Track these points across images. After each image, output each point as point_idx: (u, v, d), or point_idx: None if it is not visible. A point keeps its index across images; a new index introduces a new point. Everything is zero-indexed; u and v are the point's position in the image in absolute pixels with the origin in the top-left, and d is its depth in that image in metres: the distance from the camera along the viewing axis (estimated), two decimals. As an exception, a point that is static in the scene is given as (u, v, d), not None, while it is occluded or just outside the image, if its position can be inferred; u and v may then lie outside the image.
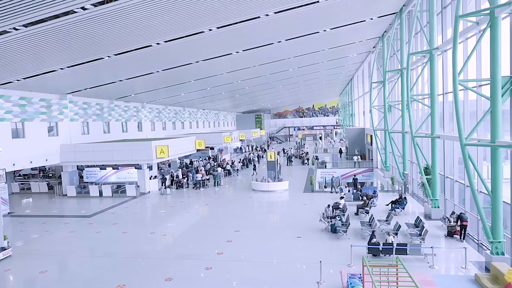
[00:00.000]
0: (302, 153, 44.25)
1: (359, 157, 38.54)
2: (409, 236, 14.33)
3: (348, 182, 32.27)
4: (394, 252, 12.41)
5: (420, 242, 13.72)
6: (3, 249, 14.53)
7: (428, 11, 17.61)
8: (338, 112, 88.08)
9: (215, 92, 43.54)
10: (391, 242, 12.84)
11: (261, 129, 74.67)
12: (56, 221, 20.27)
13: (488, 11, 11.08)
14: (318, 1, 18.12)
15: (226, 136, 43.58)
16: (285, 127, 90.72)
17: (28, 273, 13.04)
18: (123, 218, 20.40)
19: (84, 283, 12.05)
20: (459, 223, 14.43)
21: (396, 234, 14.52)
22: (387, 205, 19.65)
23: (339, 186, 24.72)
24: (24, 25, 14.33)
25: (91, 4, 13.59)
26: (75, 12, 13.86)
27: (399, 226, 14.92)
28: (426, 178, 17.95)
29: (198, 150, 43.16)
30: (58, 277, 12.75)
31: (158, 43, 19.99)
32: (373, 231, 13.47)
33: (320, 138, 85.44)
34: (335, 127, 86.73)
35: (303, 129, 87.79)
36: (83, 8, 13.70)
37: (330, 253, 13.80)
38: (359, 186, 23.88)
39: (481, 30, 12.77)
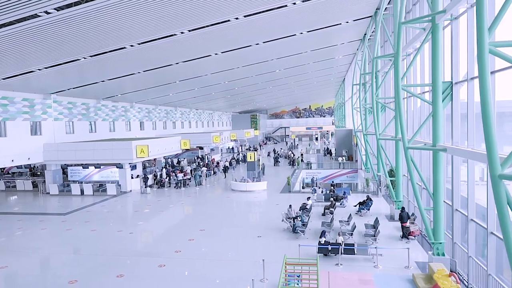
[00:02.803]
0: (289, 154, 44.50)
1: (343, 158, 38.77)
2: (364, 236, 14.66)
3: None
4: (341, 252, 12.71)
5: (372, 242, 14.04)
6: (-30, 245, 15.02)
7: (393, 15, 17.84)
8: (334, 113, 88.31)
9: (204, 92, 43.92)
10: (340, 242, 13.15)
11: (256, 129, 74.97)
12: (32, 218, 20.72)
13: (430, 18, 11.36)
14: (286, 6, 18.50)
15: (215, 136, 43.92)
16: (281, 128, 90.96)
17: (-12, 268, 13.49)
18: (97, 217, 20.85)
19: (38, 278, 12.52)
20: (410, 223, 14.71)
21: (351, 234, 14.84)
22: (355, 206, 19.94)
23: (313, 187, 24.99)
24: (-9, 28, 14.79)
25: (54, 9, 14.03)
26: (39, 16, 14.29)
27: (355, 227, 15.24)
28: (390, 180, 18.24)
29: (187, 149, 43.71)
30: (16, 272, 13.18)
31: (132, 45, 20.41)
32: (322, 231, 13.79)
33: (316, 138, 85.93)
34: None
35: (292, 130, 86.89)
36: (47, 12, 14.13)
37: (285, 252, 14.06)
38: (332, 187, 24.15)
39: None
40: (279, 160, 41.96)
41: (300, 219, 16.30)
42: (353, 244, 13.09)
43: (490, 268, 9.39)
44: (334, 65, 42.13)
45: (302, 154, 44.02)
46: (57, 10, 14.18)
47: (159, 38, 20.06)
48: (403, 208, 14.99)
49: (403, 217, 14.43)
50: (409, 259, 12.24)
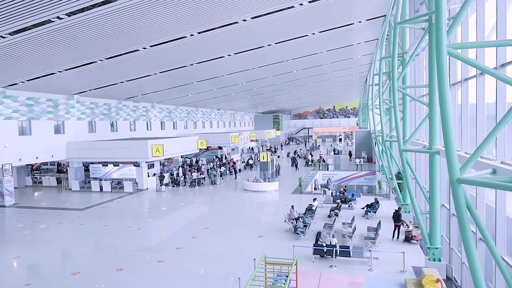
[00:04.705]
0: (307, 155, 44.26)
1: (361, 160, 38.13)
2: (364, 239, 14.49)
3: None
4: (335, 254, 12.64)
5: (372, 245, 13.85)
6: (-11, 235, 16.13)
7: (401, 15, 17.47)
8: (358, 113, 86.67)
9: (223, 93, 44.53)
10: (334, 244, 13.08)
11: (278, 129, 74.97)
12: (51, 213, 21.85)
13: (426, 17, 11.11)
14: (293, 7, 18.56)
15: (233, 136, 44.38)
16: (304, 128, 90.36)
17: (2, 258, 14.45)
18: (111, 212, 21.71)
19: (45, 268, 13.32)
20: (413, 227, 14.39)
21: (351, 237, 14.69)
22: (363, 208, 19.67)
23: (323, 188, 24.81)
24: (9, 33, 15.81)
25: (66, 14, 14.82)
26: (52, 21, 15.14)
27: (355, 229, 15.09)
28: (398, 183, 17.87)
29: (206, 149, 44.51)
30: (26, 262, 14.04)
31: (144, 48, 21.11)
32: (318, 232, 13.75)
33: (340, 139, 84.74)
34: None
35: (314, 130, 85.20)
36: (59, 18, 14.96)
37: (282, 253, 14.14)
38: (343, 189, 23.89)
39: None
40: (296, 161, 41.81)
41: (302, 220, 16.31)
42: (348, 246, 12.99)
43: (479, 275, 9.09)
44: (353, 65, 41.51)
45: (321, 157, 43.52)
46: (68, 16, 14.96)
47: (170, 41, 20.65)
48: (399, 208, 14.76)
49: (395, 217, 14.21)
50: (404, 263, 12.01)
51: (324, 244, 13.02)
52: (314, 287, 11.05)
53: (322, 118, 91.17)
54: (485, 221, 9.18)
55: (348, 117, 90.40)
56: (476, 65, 5.87)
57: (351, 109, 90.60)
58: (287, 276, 10.90)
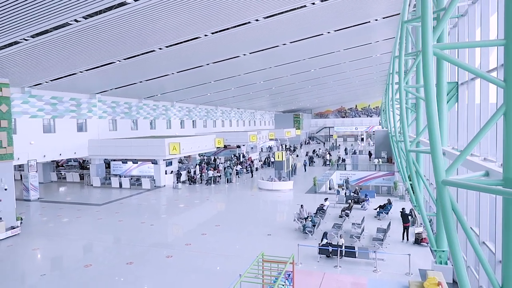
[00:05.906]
0: (325, 154, 43.92)
1: (380, 160, 37.50)
2: (372, 240, 14.37)
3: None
4: (339, 254, 12.61)
5: (379, 247, 13.72)
6: (12, 227, 17.03)
7: (415, 13, 17.12)
8: (380, 113, 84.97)
9: (241, 92, 44.78)
10: (341, 244, 13.04)
11: (298, 128, 74.72)
12: (71, 207, 22.78)
13: (435, 15, 10.88)
14: (305, 6, 18.53)
15: (251, 135, 44.62)
16: (325, 127, 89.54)
17: (23, 249, 15.23)
18: (127, 208, 22.39)
19: (61, 260, 13.96)
20: (424, 229, 14.13)
21: (358, 237, 14.59)
22: (375, 209, 19.43)
23: (336, 189, 24.61)
24: (31, 36, 16.63)
25: (83, 17, 15.45)
26: (70, 24, 15.80)
27: (363, 230, 14.97)
28: (410, 184, 17.52)
29: (225, 147, 45.02)
30: (43, 253, 14.82)
31: (160, 48, 21.63)
32: (324, 233, 13.74)
33: (362, 139, 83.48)
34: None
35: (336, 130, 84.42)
36: (76, 21, 15.61)
37: (288, 251, 14.16)
38: (357, 189, 23.65)
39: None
40: (314, 160, 41.59)
41: (310, 220, 16.32)
42: (353, 247, 12.92)
43: (481, 280, 8.91)
44: (373, 63, 40.77)
45: (339, 157, 42.97)
46: (85, 18, 15.58)
47: (185, 41, 21.05)
48: (403, 209, 14.54)
49: (403, 217, 14.01)
50: (410, 265, 11.86)
51: (325, 242, 13.01)
52: (316, 286, 11.09)
53: (344, 117, 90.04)
54: (488, 217, 8.95)
55: (371, 116, 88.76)
56: (461, 65, 5.78)
57: (373, 108, 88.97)
58: (288, 275, 11.01)
